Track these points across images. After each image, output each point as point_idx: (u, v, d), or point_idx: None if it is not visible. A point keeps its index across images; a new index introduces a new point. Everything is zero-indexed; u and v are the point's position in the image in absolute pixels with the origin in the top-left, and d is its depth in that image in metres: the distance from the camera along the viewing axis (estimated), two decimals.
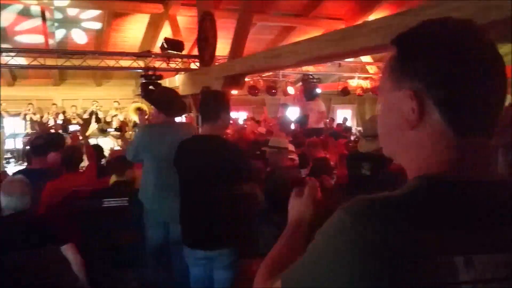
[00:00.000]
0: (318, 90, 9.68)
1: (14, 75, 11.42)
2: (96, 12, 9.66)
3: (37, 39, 9.92)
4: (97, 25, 10.07)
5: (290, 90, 10.60)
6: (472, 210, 0.64)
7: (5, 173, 4.93)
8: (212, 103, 2.63)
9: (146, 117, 4.81)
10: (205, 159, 2.52)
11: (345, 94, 11.30)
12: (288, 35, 11.28)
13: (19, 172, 3.76)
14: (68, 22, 9.83)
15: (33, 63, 7.40)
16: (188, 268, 2.66)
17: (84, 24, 10.07)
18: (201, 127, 2.82)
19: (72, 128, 9.98)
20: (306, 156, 4.49)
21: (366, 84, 11.37)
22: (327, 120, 10.96)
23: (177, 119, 3.71)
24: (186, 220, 2.60)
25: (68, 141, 5.04)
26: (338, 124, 11.15)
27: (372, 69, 11.79)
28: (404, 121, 0.69)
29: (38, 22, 9.47)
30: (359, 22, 8.53)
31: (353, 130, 11.22)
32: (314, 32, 9.75)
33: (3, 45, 9.31)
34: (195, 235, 2.55)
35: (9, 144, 10.13)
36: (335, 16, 10.82)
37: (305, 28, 11.01)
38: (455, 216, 0.63)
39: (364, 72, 11.62)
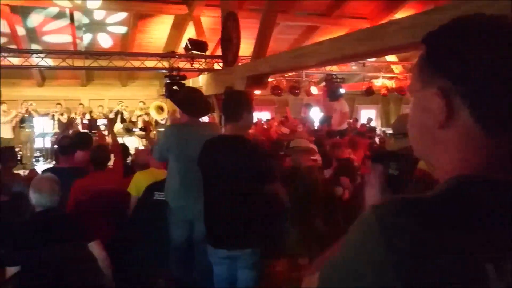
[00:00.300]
0: (342, 90, 9.56)
1: (44, 76, 11.77)
2: (122, 15, 9.86)
3: (65, 39, 10.19)
4: (123, 29, 10.27)
5: (314, 90, 10.51)
6: (505, 212, 0.62)
7: (34, 170, 5.09)
8: (235, 103, 2.64)
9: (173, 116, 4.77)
10: (227, 159, 2.53)
11: (369, 94, 11.15)
12: (311, 34, 11.23)
13: (47, 170, 3.86)
14: (96, 25, 10.06)
15: (61, 64, 7.61)
16: (212, 266, 2.67)
17: (110, 28, 10.29)
18: (224, 127, 2.83)
19: (100, 122, 10.23)
20: (329, 157, 4.45)
21: (391, 83, 11.18)
22: (351, 121, 10.83)
23: (201, 119, 3.73)
24: (209, 219, 2.62)
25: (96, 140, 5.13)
26: (362, 125, 11.01)
27: (397, 68, 11.59)
28: (433, 121, 0.68)
29: (66, 23, 9.73)
30: (384, 21, 8.40)
31: (378, 131, 11.05)
32: (338, 31, 9.68)
33: (33, 46, 9.64)
34: (219, 234, 2.57)
35: (38, 143, 10.44)
36: (359, 15, 10.72)
37: (329, 27, 10.94)
38: (487, 219, 0.61)
39: (389, 72, 11.42)
